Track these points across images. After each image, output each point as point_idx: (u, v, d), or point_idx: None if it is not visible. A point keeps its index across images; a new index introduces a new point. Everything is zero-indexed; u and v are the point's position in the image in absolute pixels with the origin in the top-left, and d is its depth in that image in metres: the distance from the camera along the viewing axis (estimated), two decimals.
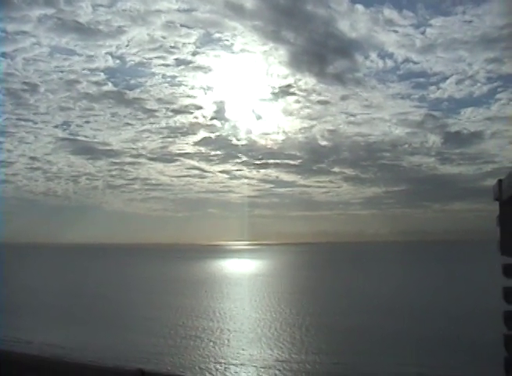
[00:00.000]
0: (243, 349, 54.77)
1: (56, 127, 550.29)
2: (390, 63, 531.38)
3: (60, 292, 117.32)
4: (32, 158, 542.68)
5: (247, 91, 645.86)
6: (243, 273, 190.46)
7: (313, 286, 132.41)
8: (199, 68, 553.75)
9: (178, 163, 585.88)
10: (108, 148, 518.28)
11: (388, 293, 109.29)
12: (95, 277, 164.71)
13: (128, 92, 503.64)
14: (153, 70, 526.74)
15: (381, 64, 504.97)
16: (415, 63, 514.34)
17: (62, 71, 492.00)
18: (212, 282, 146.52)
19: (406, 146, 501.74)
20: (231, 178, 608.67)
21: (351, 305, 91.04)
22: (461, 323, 70.49)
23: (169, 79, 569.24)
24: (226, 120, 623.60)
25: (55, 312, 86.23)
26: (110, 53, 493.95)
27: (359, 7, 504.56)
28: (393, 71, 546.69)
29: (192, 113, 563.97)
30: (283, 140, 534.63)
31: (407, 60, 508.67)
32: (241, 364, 48.68)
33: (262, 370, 47.50)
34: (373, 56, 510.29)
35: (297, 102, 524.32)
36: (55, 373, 44.36)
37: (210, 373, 47.16)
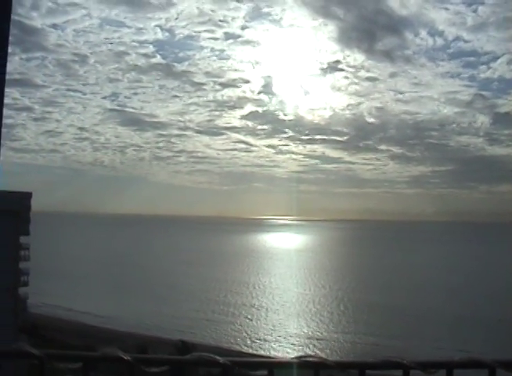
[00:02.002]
0: (276, 325, 54.80)
1: (105, 98, 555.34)
2: (440, 41, 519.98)
3: (104, 261, 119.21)
4: (80, 128, 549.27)
5: (295, 66, 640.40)
6: (286, 248, 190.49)
7: (355, 263, 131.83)
8: (247, 42, 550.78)
9: (224, 136, 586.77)
10: (155, 120, 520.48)
11: (430, 272, 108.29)
12: (140, 248, 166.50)
13: (176, 64, 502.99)
14: (201, 43, 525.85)
15: (431, 42, 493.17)
16: (466, 41, 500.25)
17: (111, 43, 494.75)
18: (255, 256, 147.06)
19: (454, 125, 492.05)
20: (277, 153, 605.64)
21: (391, 284, 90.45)
22: (499, 305, 69.55)
23: (217, 53, 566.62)
24: (274, 94, 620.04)
25: (99, 280, 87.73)
26: (159, 26, 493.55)
27: None
28: (443, 49, 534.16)
29: (239, 87, 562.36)
30: (330, 116, 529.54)
31: (458, 39, 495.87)
32: (275, 340, 48.85)
33: (295, 347, 47.66)
34: (423, 33, 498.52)
35: (345, 78, 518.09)
36: (98, 339, 45.29)
37: (244, 347, 47.55)
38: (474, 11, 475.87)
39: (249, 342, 48.29)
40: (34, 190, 43.76)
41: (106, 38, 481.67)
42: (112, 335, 47.54)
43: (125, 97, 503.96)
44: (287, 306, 66.07)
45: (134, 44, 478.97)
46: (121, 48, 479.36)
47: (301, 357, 2.65)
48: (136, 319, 56.49)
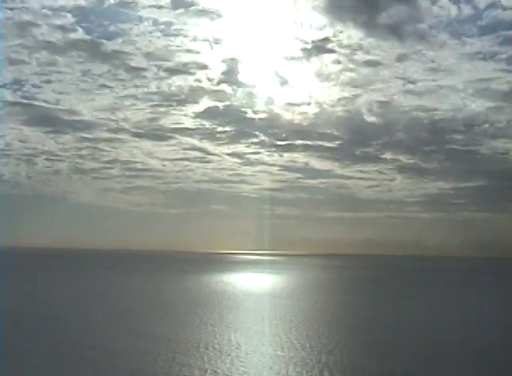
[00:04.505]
0: None
1: (4, 87, 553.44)
2: (467, 10, 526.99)
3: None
4: None
5: (269, 46, 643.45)
6: (254, 294, 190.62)
7: (346, 315, 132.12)
8: (203, 13, 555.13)
9: (172, 141, 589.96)
10: (76, 118, 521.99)
11: (449, 331, 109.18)
12: (47, 295, 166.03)
13: (105, 42, 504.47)
14: (140, 13, 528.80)
15: (455, 11, 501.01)
16: (504, 8, 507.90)
17: (11, 9, 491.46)
18: (212, 305, 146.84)
19: (487, 125, 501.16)
20: (244, 164, 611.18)
21: (392, 345, 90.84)
22: None
23: (162, 26, 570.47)
24: (239, 84, 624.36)
25: None
26: None
27: None
28: (472, 21, 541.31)
29: (193, 74, 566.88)
30: (315, 114, 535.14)
31: (493, 5, 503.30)
32: None
33: None
34: (444, 0, 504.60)
35: (337, 62, 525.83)
36: None
37: None
38: None
39: None
40: None
41: (6, 3, 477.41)
42: None
43: (33, 86, 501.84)
44: (252, 374, 65.92)
45: (45, 11, 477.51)
46: (27, 18, 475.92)
47: None
48: None
